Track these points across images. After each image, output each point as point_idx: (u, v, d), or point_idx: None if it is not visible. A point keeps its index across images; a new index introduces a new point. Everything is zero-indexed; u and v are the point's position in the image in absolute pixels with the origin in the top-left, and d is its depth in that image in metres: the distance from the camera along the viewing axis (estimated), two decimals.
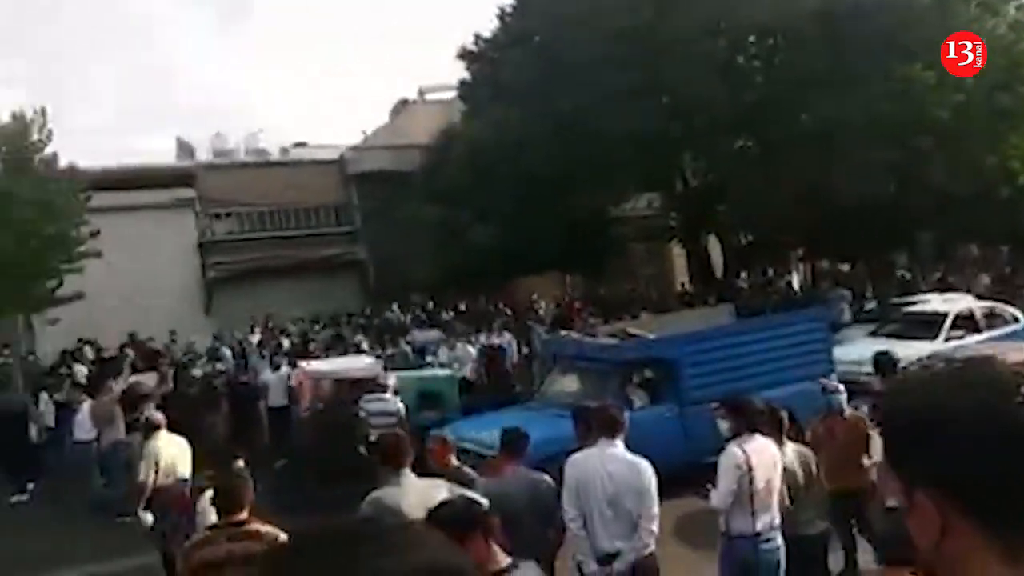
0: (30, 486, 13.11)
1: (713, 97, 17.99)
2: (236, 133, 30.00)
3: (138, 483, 8.24)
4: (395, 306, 21.94)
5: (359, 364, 12.54)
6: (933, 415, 1.12)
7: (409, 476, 4.82)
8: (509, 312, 17.40)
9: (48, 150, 19.51)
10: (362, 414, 10.77)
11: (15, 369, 17.12)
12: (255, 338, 19.98)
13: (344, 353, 15.51)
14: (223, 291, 24.42)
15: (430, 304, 22.39)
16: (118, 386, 13.05)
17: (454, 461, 5.87)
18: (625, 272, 24.55)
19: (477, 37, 22.68)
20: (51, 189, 18.71)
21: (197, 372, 15.45)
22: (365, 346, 16.07)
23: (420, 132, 24.24)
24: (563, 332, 12.78)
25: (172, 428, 9.80)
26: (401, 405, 10.98)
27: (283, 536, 4.01)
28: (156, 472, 8.23)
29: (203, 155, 28.41)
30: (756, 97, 18.98)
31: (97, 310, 19.69)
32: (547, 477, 5.70)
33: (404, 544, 0.94)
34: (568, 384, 10.64)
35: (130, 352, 18.36)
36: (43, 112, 19.42)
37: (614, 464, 5.29)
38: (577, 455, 5.52)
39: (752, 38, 20.18)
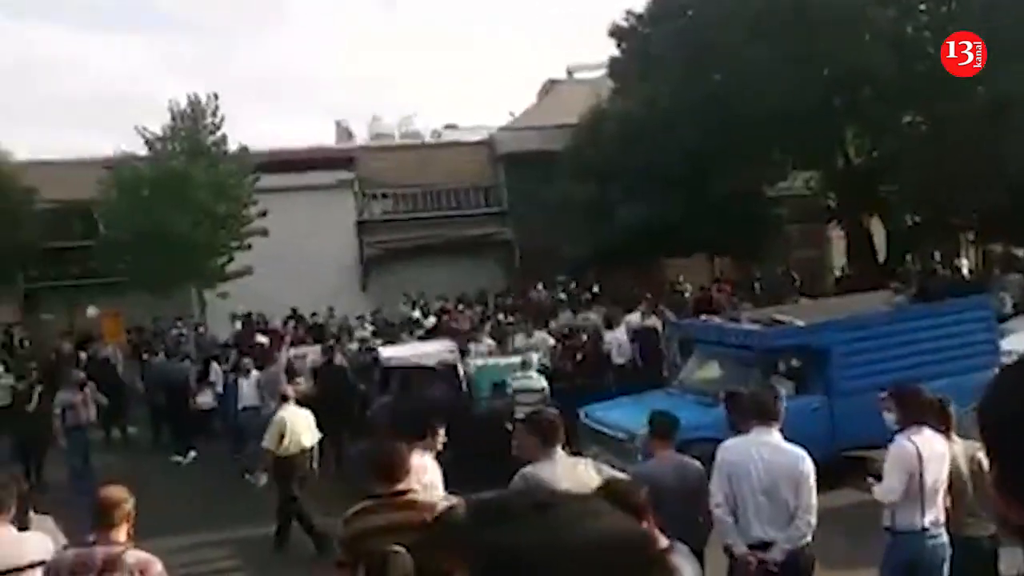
0: (192, 453, 14.04)
1: (880, 68, 16.93)
2: (391, 116, 31.04)
3: (264, 448, 9.00)
4: (540, 286, 22.11)
5: (433, 350, 12.30)
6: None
7: (560, 453, 4.86)
8: (648, 295, 17.01)
9: (219, 134, 20.92)
10: (509, 391, 10.92)
11: (189, 339, 18.50)
12: (415, 313, 20.69)
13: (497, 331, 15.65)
14: (378, 269, 25.45)
15: (573, 285, 22.35)
16: (283, 357, 13.97)
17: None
18: (779, 255, 23.58)
19: (629, 13, 22.34)
20: (223, 171, 20.10)
21: (353, 346, 16.12)
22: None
23: (568, 112, 24.19)
24: (704, 316, 12.38)
25: (326, 400, 10.36)
26: (545, 383, 11.03)
27: (441, 506, 4.15)
28: (281, 441, 8.92)
29: (360, 138, 29.64)
30: (927, 68, 17.68)
31: (262, 285, 20.94)
32: (696, 462, 5.65)
33: (594, 512, 0.98)
34: (708, 371, 10.37)
35: (292, 325, 19.46)
36: (215, 97, 20.84)
37: (769, 452, 5.17)
38: (730, 441, 5.44)
39: (923, 6, 18.84)
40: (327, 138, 30.46)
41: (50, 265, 22.48)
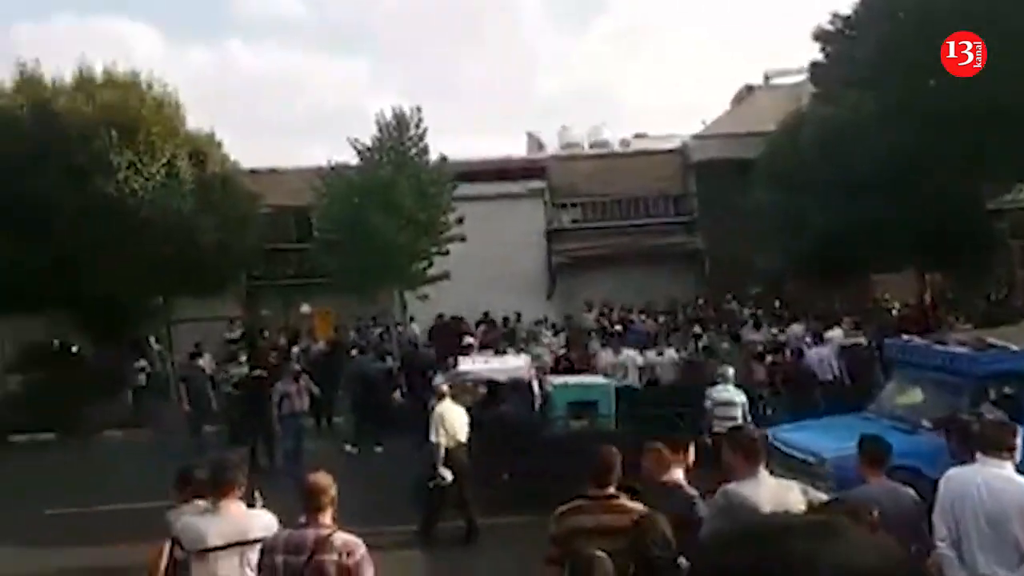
0: (378, 448, 14.64)
1: None
2: (580, 126, 31.35)
3: (434, 443, 9.44)
4: (729, 296, 21.58)
5: (508, 366, 11.98)
6: None
7: (763, 473, 4.73)
8: (848, 310, 16.15)
9: (422, 144, 21.98)
10: (708, 403, 10.72)
11: (392, 339, 19.57)
12: (590, 318, 20.85)
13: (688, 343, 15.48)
14: (565, 277, 25.79)
15: (771, 297, 21.62)
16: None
17: (676, 475, 5.34)
18: (998, 272, 21.66)
19: (835, 16, 21.35)
20: (425, 180, 21.11)
21: (540, 351, 16.50)
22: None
23: (763, 119, 23.46)
24: (906, 336, 11.62)
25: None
26: (744, 398, 10.76)
27: (644, 511, 4.28)
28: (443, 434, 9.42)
29: (551, 148, 30.15)
30: None
31: (457, 289, 21.82)
32: (910, 490, 5.35)
33: (866, 541, 0.96)
34: (909, 395, 9.75)
35: (482, 328, 20.18)
36: (418, 110, 21.94)
37: (998, 484, 4.77)
38: (953, 471, 5.09)
39: None
40: (519, 149, 31.27)
41: (269, 265, 24.52)
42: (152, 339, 19.68)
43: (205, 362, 17.10)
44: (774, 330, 15.95)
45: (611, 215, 26.94)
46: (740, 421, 9.74)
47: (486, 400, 11.10)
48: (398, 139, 21.73)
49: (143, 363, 19.38)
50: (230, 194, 20.45)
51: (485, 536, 9.47)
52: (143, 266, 18.00)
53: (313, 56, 69.64)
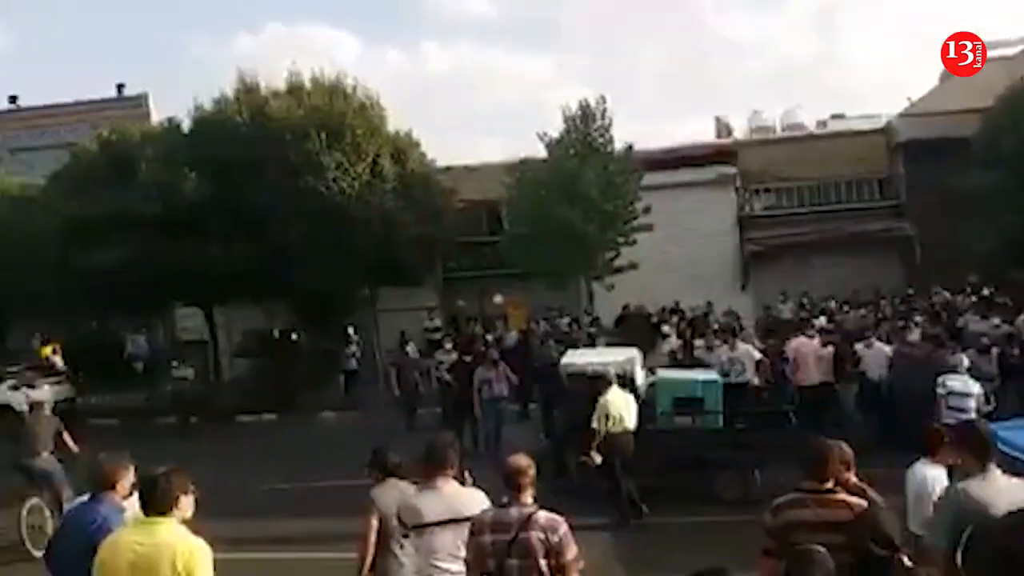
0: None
1: None
2: (771, 109, 30.18)
3: (595, 429, 9.73)
4: (936, 287, 20.03)
5: (610, 359, 11.47)
6: None
7: (995, 471, 4.47)
8: None
9: (608, 135, 22.03)
10: (940, 391, 10.00)
11: (583, 329, 19.78)
12: (786, 310, 20.02)
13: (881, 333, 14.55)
14: (759, 266, 24.95)
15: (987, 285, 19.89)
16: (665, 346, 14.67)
17: (854, 478, 5.03)
18: None
19: None
20: (611, 170, 21.16)
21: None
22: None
23: (977, 94, 21.56)
24: None
25: None
26: (980, 389, 10.03)
27: (865, 506, 4.19)
28: (606, 422, 9.74)
29: (740, 131, 29.23)
30: None
31: (645, 279, 21.71)
32: None
33: None
34: None
35: (673, 319, 19.91)
36: (603, 100, 22.00)
37: None
38: None
39: None
40: (707, 135, 30.54)
41: (464, 257, 25.47)
42: (351, 329, 21.01)
43: (411, 350, 18.10)
44: (996, 320, 14.60)
45: (808, 200, 25.78)
46: (973, 414, 9.06)
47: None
48: (584, 130, 21.91)
49: (353, 349, 20.71)
50: (428, 191, 21.40)
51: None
52: (350, 259, 19.24)
53: (500, 53, 71.37)
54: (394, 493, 5.35)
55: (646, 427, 10.39)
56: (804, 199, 25.86)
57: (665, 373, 12.16)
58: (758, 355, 13.25)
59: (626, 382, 10.67)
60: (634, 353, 12.15)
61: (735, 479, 10.37)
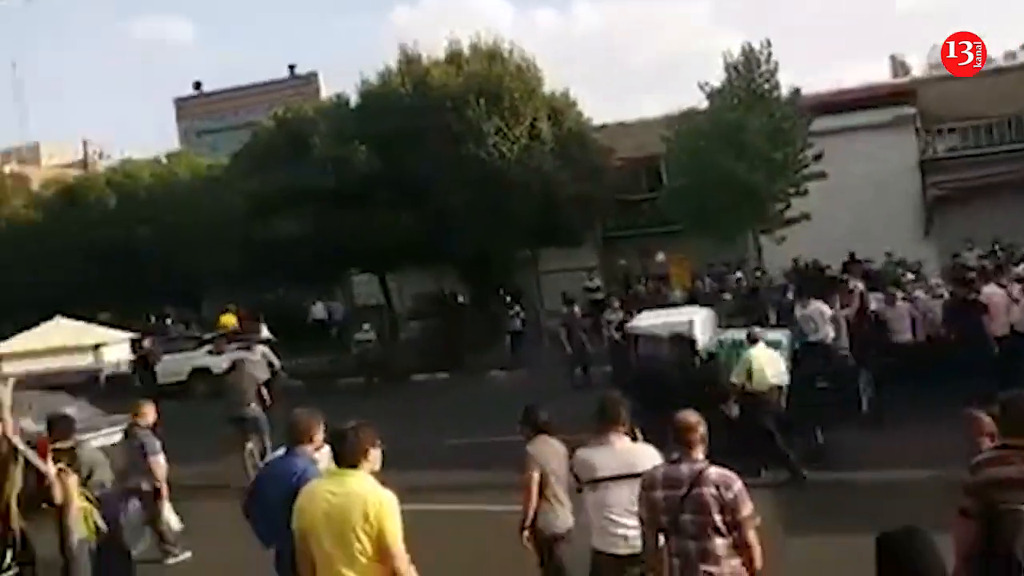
0: None
1: None
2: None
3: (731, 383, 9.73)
4: None
5: (671, 320, 10.98)
6: None
7: None
8: None
9: (773, 80, 21.05)
10: None
11: (749, 282, 19.15)
12: (972, 258, 18.57)
13: None
14: (944, 211, 23.28)
15: None
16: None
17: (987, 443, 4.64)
18: None
19: None
20: (777, 117, 20.26)
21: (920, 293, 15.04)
22: None
23: None
24: None
25: None
26: None
27: None
28: (749, 378, 9.66)
29: (918, 70, 27.16)
30: None
31: (819, 230, 20.68)
32: None
33: None
34: None
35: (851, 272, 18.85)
36: (767, 44, 21.01)
37: None
38: None
39: None
40: (881, 74, 28.60)
41: (623, 216, 25.25)
42: (502, 290, 21.35)
43: (577, 310, 18.24)
44: None
45: (998, 140, 23.74)
46: None
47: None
48: (748, 77, 21.05)
49: (517, 310, 21.10)
50: (585, 149, 21.35)
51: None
52: (510, 223, 19.55)
53: (653, 4, 69.43)
54: (547, 449, 5.59)
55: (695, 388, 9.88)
56: (993, 137, 23.85)
57: (729, 334, 11.72)
58: (829, 312, 12.61)
59: (679, 344, 10.66)
60: (697, 314, 12.05)
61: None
